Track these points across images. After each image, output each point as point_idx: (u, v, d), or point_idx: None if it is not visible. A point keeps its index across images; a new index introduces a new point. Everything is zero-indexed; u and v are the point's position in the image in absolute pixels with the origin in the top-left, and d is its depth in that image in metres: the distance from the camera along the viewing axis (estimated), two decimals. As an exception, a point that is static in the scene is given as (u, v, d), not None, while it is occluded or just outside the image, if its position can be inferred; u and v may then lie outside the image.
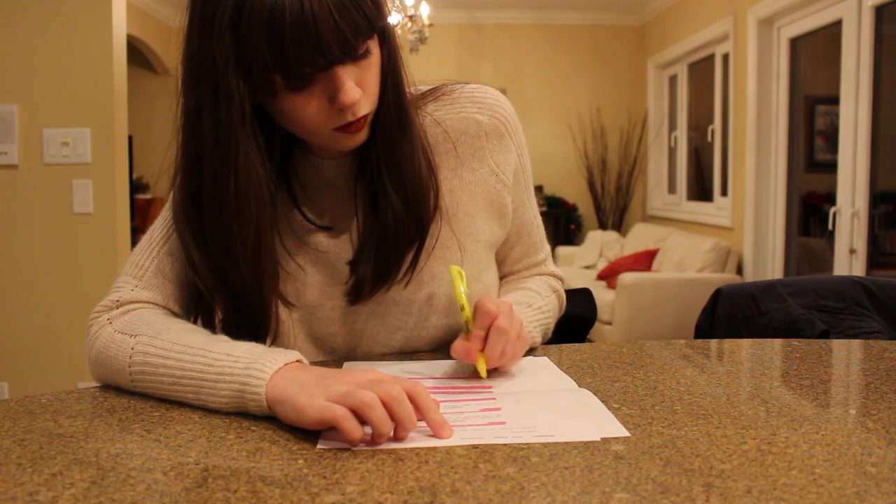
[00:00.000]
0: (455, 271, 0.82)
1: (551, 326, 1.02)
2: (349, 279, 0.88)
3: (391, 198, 0.84)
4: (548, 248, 1.09)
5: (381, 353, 0.94)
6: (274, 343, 0.88)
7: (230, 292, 0.82)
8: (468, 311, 0.80)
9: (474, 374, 0.81)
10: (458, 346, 0.79)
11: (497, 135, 0.93)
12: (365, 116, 0.78)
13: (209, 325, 0.87)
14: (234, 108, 0.73)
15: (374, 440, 0.61)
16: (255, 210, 0.77)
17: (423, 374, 0.83)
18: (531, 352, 0.93)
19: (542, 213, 5.35)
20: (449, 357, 0.90)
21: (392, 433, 0.61)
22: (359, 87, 0.75)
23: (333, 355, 0.93)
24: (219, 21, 0.70)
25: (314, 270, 0.89)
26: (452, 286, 0.82)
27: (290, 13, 0.68)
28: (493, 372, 0.82)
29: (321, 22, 0.68)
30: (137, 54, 5.64)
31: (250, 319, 0.84)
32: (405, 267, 0.87)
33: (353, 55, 0.73)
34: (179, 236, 0.82)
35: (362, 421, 0.61)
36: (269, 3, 0.68)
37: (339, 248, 0.90)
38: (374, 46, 0.76)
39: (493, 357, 0.78)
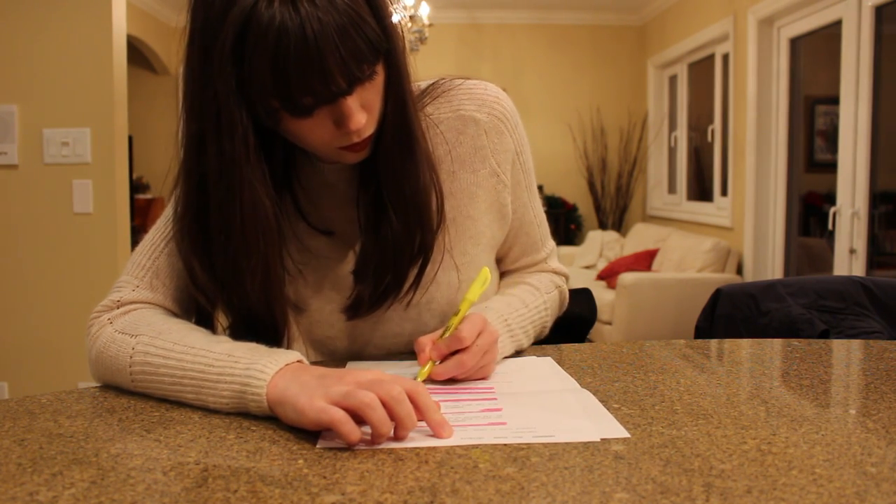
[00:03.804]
0: (482, 276, 0.82)
1: (549, 323, 1.02)
2: (350, 295, 0.87)
3: (391, 218, 0.83)
4: (551, 245, 1.08)
5: (381, 355, 0.93)
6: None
7: (238, 309, 0.82)
8: (459, 318, 0.80)
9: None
10: (424, 341, 0.79)
11: (497, 132, 0.92)
12: (369, 136, 0.77)
13: (208, 326, 0.86)
14: (238, 139, 0.72)
15: (373, 440, 0.61)
16: (262, 243, 0.77)
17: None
18: (520, 353, 0.93)
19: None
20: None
21: (392, 433, 0.61)
22: (364, 110, 0.74)
23: (333, 357, 0.93)
24: (219, 50, 0.68)
25: (315, 275, 0.89)
26: (470, 287, 0.81)
27: (295, 46, 0.66)
28: (495, 374, 0.82)
29: (326, 54, 0.67)
30: (137, 54, 5.63)
31: (258, 329, 0.83)
32: (407, 284, 0.86)
33: (360, 82, 0.72)
34: (183, 258, 0.81)
35: (362, 421, 0.61)
36: (272, 34, 0.66)
37: (341, 254, 0.89)
38: (379, 68, 0.75)
39: (438, 377, 0.78)
